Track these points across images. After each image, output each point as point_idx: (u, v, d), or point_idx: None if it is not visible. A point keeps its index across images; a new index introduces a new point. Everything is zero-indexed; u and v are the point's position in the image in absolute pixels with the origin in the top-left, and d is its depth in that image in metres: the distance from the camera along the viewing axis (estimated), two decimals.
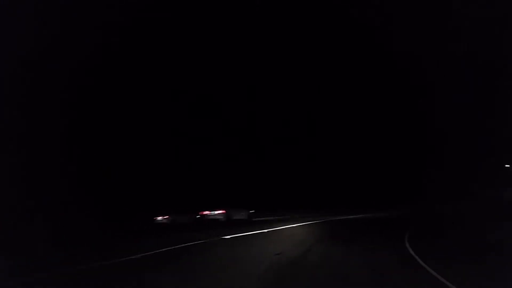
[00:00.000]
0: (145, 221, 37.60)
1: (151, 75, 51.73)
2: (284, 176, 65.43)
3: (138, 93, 48.66)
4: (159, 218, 37.77)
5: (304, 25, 71.64)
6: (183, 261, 11.25)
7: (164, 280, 8.19)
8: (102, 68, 38.09)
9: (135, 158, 45.17)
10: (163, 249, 13.35)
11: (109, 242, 18.97)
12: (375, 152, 76.35)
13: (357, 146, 76.72)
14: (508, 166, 54.60)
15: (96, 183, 37.37)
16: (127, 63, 42.85)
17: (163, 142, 51.22)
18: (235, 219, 34.89)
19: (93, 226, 27.76)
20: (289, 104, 71.32)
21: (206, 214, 35.75)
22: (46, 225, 22.38)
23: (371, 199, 64.89)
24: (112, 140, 42.39)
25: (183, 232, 23.52)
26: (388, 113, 79.58)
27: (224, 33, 64.44)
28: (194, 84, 58.73)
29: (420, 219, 26.95)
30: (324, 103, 78.36)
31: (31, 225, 22.03)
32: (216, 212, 35.13)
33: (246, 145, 65.38)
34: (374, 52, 73.44)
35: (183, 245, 14.52)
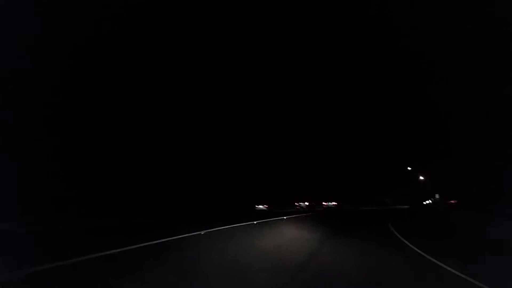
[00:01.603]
0: (249, 208, 50.49)
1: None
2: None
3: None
4: (260, 206, 51.56)
5: (305, 18, 66.97)
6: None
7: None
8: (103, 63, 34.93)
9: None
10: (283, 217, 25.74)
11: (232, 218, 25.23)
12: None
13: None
14: (410, 169, 53.92)
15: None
16: (127, 59, 38.55)
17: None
18: (344, 209, 53.10)
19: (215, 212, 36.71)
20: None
21: (324, 204, 56.58)
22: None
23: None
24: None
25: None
26: (386, 115, 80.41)
27: (227, 32, 62.72)
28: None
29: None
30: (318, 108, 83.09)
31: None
32: (331, 203, 56.55)
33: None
34: (374, 52, 70.87)
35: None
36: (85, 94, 32.23)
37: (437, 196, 47.14)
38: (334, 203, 58.72)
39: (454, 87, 29.81)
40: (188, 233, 13.22)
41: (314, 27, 70.38)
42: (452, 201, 40.21)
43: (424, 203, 52.35)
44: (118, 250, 8.99)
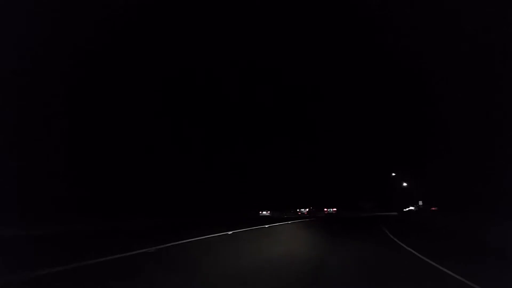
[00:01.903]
0: (254, 214, 51.82)
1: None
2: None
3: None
4: (264, 212, 53.63)
5: (305, 19, 69.86)
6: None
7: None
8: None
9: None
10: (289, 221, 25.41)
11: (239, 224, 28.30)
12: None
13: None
14: (394, 174, 53.93)
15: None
16: (127, 60, 38.85)
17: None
18: (343, 215, 55.26)
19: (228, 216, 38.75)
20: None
21: (325, 210, 61.15)
22: None
23: None
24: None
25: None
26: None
27: (227, 32, 64.29)
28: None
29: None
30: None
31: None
32: (332, 209, 61.18)
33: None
34: (372, 52, 70.27)
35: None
36: (85, 94, 32.21)
37: (420, 202, 46.64)
38: (334, 209, 63.29)
39: (454, 87, 29.47)
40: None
41: (313, 28, 70.35)
42: (433, 208, 40.67)
43: (405, 210, 52.60)
44: None
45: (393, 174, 54.74)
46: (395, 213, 56.56)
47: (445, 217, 26.19)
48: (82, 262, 6.55)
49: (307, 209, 62.28)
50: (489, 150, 25.43)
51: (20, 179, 24.45)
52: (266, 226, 20.57)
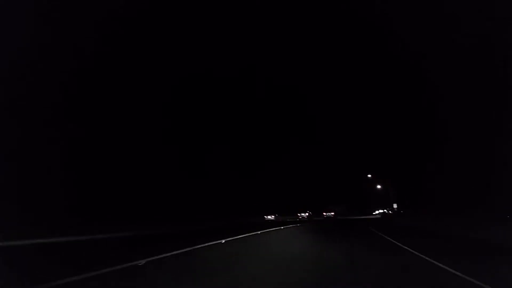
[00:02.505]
0: (259, 218, 53.41)
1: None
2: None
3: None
4: (269, 216, 55.91)
5: (304, 22, 69.91)
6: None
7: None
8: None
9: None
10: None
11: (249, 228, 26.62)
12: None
13: None
14: (370, 176, 53.45)
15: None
16: (123, 67, 37.07)
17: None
18: (339, 217, 61.76)
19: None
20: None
21: (324, 214, 67.49)
22: None
23: None
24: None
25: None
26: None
27: (226, 34, 64.79)
28: None
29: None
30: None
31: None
32: (330, 213, 67.27)
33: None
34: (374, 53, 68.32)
35: None
36: (87, 100, 31.91)
37: (395, 206, 45.99)
38: (332, 213, 70.18)
39: (451, 90, 29.93)
40: None
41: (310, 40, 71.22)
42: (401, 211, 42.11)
43: (374, 213, 52.94)
44: None
45: (369, 175, 54.67)
46: (378, 216, 57.35)
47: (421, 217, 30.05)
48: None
49: (307, 213, 68.79)
50: (464, 156, 26.07)
51: (20, 189, 23.83)
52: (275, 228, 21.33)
